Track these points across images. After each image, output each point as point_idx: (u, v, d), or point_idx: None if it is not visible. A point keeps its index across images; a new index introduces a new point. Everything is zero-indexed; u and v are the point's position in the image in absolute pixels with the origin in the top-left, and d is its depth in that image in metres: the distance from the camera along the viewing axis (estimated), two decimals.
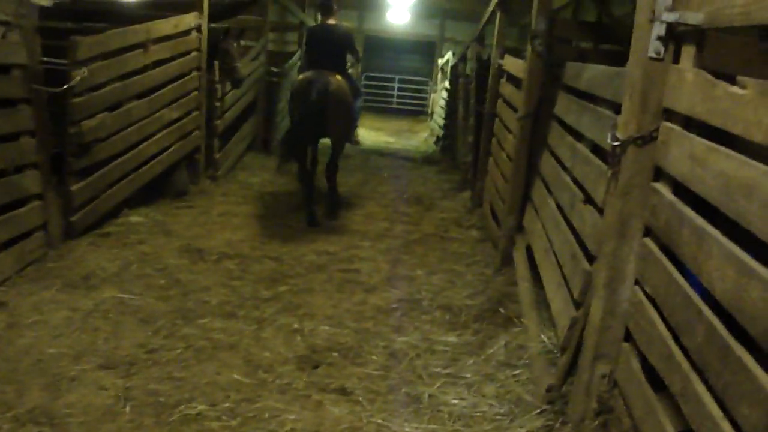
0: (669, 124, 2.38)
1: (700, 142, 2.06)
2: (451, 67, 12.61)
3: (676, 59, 2.40)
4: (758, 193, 1.65)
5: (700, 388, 1.88)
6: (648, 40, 2.44)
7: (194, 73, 7.10)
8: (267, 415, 2.99)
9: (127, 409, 2.95)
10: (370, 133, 15.29)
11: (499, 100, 6.52)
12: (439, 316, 4.34)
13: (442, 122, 13.05)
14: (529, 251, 4.62)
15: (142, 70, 5.93)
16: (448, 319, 4.29)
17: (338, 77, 6.48)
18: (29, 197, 4.56)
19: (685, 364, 2.00)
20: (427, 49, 23.05)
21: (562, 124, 4.25)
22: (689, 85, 2.20)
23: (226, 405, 3.05)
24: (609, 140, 2.64)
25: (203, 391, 3.15)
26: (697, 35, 2.26)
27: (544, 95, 4.90)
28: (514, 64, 5.87)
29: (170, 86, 6.52)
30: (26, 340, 3.49)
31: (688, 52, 2.30)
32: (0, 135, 4.25)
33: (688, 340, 1.99)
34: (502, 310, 4.29)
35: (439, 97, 15.31)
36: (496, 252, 5.48)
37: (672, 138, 2.32)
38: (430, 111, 18.52)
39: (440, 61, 16.88)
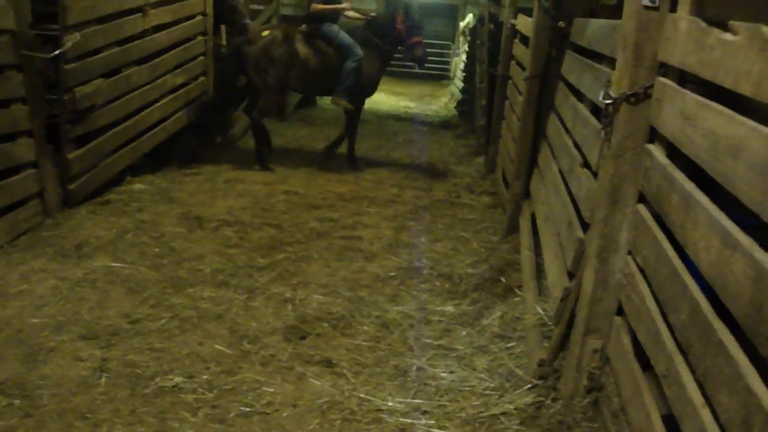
0: (664, 80, 2.17)
1: (692, 98, 1.86)
2: (470, 30, 12.27)
3: (674, 8, 2.18)
4: (745, 153, 1.45)
5: (684, 370, 1.72)
6: None
7: (200, 38, 6.94)
8: (245, 388, 2.89)
9: (102, 380, 2.87)
10: (390, 98, 15.03)
11: (512, 62, 6.27)
12: (438, 285, 4.20)
13: (462, 86, 12.76)
14: (535, 218, 4.43)
15: (142, 35, 5.78)
16: (447, 288, 4.15)
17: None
18: (23, 165, 4.49)
19: (671, 344, 1.83)
20: (449, 12, 22.51)
21: (567, 84, 4.02)
22: (683, 35, 1.99)
23: (205, 377, 2.95)
24: (601, 98, 2.43)
25: (182, 363, 3.05)
26: None
27: (554, 55, 4.66)
28: (525, 24, 5.61)
29: (174, 51, 6.38)
30: (9, 311, 3.42)
31: None
32: None
33: (674, 318, 1.82)
34: (503, 279, 4.12)
35: (460, 61, 14.96)
36: (505, 218, 5.29)
37: (666, 95, 2.12)
38: (452, 75, 18.14)
39: (462, 24, 16.46)
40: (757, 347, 1.30)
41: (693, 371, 1.65)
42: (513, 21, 6.27)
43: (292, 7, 15.32)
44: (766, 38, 1.39)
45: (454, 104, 13.36)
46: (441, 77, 21.14)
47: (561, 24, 4.29)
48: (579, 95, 3.61)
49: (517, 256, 4.48)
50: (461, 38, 16.17)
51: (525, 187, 4.94)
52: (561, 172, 3.68)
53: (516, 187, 5.00)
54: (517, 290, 3.94)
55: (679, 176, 1.90)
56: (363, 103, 7.54)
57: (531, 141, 4.87)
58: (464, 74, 12.30)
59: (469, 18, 14.20)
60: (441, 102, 15.45)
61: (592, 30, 3.46)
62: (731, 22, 1.62)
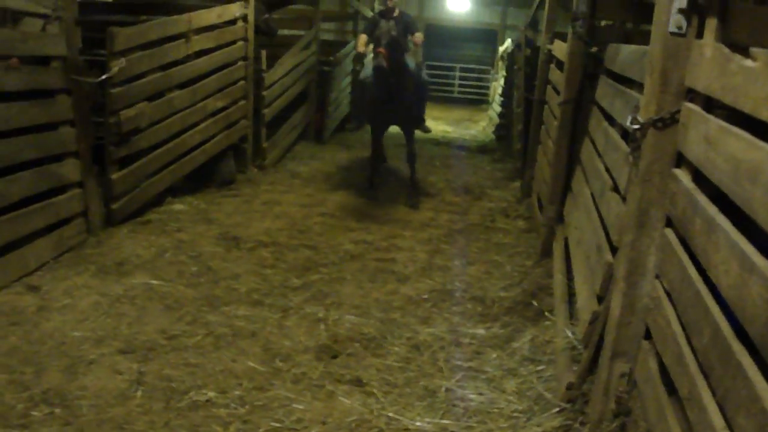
0: (690, 105, 2.19)
1: (715, 123, 1.88)
2: (508, 54, 12.32)
3: (701, 35, 2.20)
4: (763, 177, 1.47)
5: (705, 393, 1.72)
6: (669, 14, 2.25)
7: (240, 63, 7.13)
8: (276, 404, 2.95)
9: (139, 393, 2.96)
10: (429, 123, 15.07)
11: (549, 87, 6.30)
12: (470, 307, 4.22)
13: (500, 110, 12.79)
14: (567, 242, 4.43)
15: (185, 60, 5.97)
16: (479, 311, 4.17)
17: None
18: (69, 185, 4.66)
19: (693, 367, 1.84)
20: (488, 37, 22.64)
21: (600, 108, 4.04)
22: (708, 61, 2.01)
23: (237, 393, 3.02)
24: (629, 123, 2.46)
25: (216, 379, 3.13)
26: (721, 7, 2.06)
27: (588, 81, 4.68)
28: (560, 49, 5.64)
29: (215, 76, 6.57)
30: (53, 324, 3.56)
31: (711, 25, 2.10)
32: (39, 124, 4.35)
33: (697, 341, 1.83)
34: (535, 303, 4.12)
35: (498, 86, 15.00)
36: (538, 243, 5.29)
37: (691, 120, 2.14)
38: (490, 100, 18.20)
39: (500, 49, 16.53)
40: None
41: (714, 394, 1.65)
42: (549, 46, 6.31)
43: (332, 33, 15.61)
44: None
45: (492, 129, 13.39)
46: (479, 102, 21.19)
47: (593, 49, 4.32)
48: (611, 120, 3.63)
49: (550, 280, 4.48)
50: (500, 63, 16.24)
51: (559, 212, 4.94)
52: (593, 196, 3.69)
53: (550, 211, 5.01)
54: (548, 314, 3.94)
55: (703, 200, 1.91)
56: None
57: (565, 165, 4.88)
58: (502, 99, 12.35)
59: (508, 43, 14.26)
60: (479, 126, 15.49)
61: (623, 56, 3.49)
62: (752, 49, 1.65)
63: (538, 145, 6.59)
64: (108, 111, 4.94)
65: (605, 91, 3.92)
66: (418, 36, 6.93)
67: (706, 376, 1.74)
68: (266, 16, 7.54)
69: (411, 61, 6.89)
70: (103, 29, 5.07)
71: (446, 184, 8.19)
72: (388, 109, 6.70)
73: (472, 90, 22.33)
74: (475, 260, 5.21)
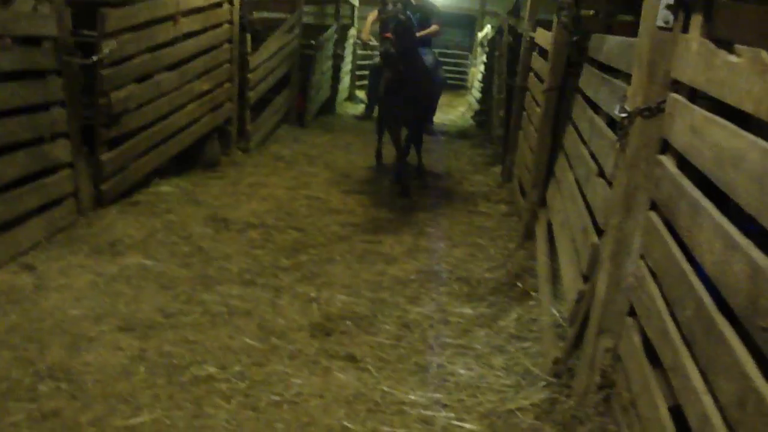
0: (675, 96, 2.33)
1: (700, 113, 2.02)
2: (489, 41, 12.44)
3: (686, 29, 2.34)
4: (746, 164, 1.61)
5: (688, 362, 1.87)
6: (657, 9, 2.39)
7: (226, 45, 7.16)
8: (275, 379, 3.07)
9: (141, 369, 3.05)
10: None
11: (531, 74, 6.44)
12: (456, 288, 4.36)
13: (479, 96, 12.92)
14: (551, 225, 4.58)
15: (173, 42, 6.00)
16: (466, 291, 4.31)
17: None
18: (60, 166, 4.70)
19: (677, 339, 1.99)
20: (467, 23, 22.71)
21: (585, 97, 4.18)
22: (693, 55, 2.15)
23: (237, 368, 3.13)
24: (617, 112, 2.60)
25: (215, 355, 3.24)
26: (706, 3, 2.20)
27: (571, 69, 4.82)
28: (544, 37, 5.77)
29: (201, 58, 6.60)
30: (51, 302, 3.62)
31: (697, 21, 2.24)
32: (31, 105, 4.37)
33: (681, 315, 1.98)
34: (519, 284, 4.27)
35: (477, 72, 15.12)
36: (521, 226, 5.45)
37: (677, 110, 2.28)
38: (469, 85, 18.31)
39: (480, 35, 16.65)
40: (753, 336, 1.45)
41: (696, 362, 1.80)
42: (532, 34, 6.43)
43: (313, 16, 15.57)
44: (765, 62, 1.55)
45: (471, 114, 13.53)
46: (458, 87, 21.29)
47: (575, 38, 4.47)
48: (596, 108, 3.77)
49: (533, 262, 4.63)
50: (479, 49, 16.36)
51: (541, 196, 5.10)
52: (577, 181, 3.84)
53: (533, 195, 5.16)
54: (533, 294, 4.09)
55: (688, 185, 2.06)
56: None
57: (548, 151, 5.02)
58: (482, 85, 12.47)
59: (487, 29, 14.38)
60: (458, 112, 15.61)
61: (609, 46, 3.63)
62: (736, 46, 1.78)
63: (519, 131, 6.74)
64: (98, 92, 4.96)
65: (590, 80, 4.06)
66: (433, 27, 6.81)
67: (689, 347, 1.89)
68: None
69: (429, 55, 6.64)
70: (87, 10, 5.09)
71: (428, 169, 8.28)
72: (397, 103, 6.32)
73: (450, 75, 22.26)
74: (459, 243, 5.34)
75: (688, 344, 1.89)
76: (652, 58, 2.42)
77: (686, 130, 2.12)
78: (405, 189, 6.70)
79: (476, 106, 13.10)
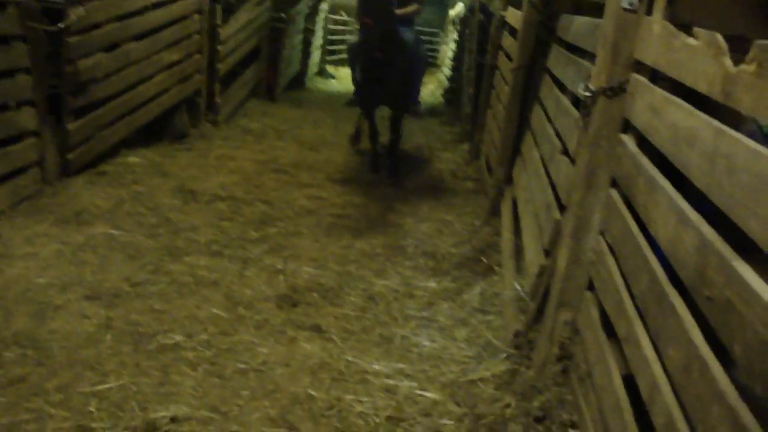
0: (637, 76, 2.40)
1: (659, 93, 2.08)
2: (461, 19, 12.45)
3: (650, 12, 2.40)
4: (699, 143, 1.68)
5: (641, 332, 1.95)
6: None
7: (196, 16, 7.07)
8: (241, 348, 3.11)
9: (108, 337, 3.07)
10: None
11: (500, 53, 6.49)
12: (422, 262, 4.43)
13: (449, 74, 12.96)
14: (516, 202, 4.67)
15: (142, 11, 5.91)
16: (431, 265, 4.38)
17: None
18: (25, 134, 4.63)
19: (632, 311, 2.07)
20: (439, 1, 22.64)
21: (552, 76, 4.25)
22: (655, 37, 2.21)
23: (203, 337, 3.16)
24: (581, 90, 2.66)
25: (182, 324, 3.26)
26: None
27: (540, 48, 4.88)
28: (514, 16, 5.82)
29: (170, 28, 6.51)
30: (16, 270, 3.60)
31: (660, 4, 2.30)
32: None
33: (636, 287, 2.06)
34: (483, 259, 4.36)
35: (448, 49, 15.14)
36: (487, 203, 5.53)
37: (638, 90, 2.34)
38: (440, 63, 18.33)
39: (451, 13, 16.64)
40: (699, 306, 1.53)
41: (648, 333, 1.89)
42: (503, 13, 6.47)
43: None
44: (720, 45, 1.62)
45: (441, 92, 13.56)
46: (429, 65, 21.26)
47: (543, 17, 4.53)
48: (562, 87, 3.84)
49: (498, 238, 4.72)
50: (450, 27, 16.36)
51: (508, 174, 5.18)
52: (542, 159, 3.92)
53: (499, 173, 5.24)
54: (496, 269, 4.18)
55: (646, 162, 2.13)
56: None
57: (515, 129, 5.10)
58: (452, 63, 12.50)
59: (460, 7, 14.38)
60: (428, 89, 15.62)
61: (576, 27, 3.69)
62: (695, 29, 1.85)
63: (488, 109, 6.80)
64: (65, 60, 4.89)
65: (557, 60, 4.12)
66: (414, 6, 6.56)
67: (642, 319, 1.98)
68: None
69: (410, 33, 6.46)
70: None
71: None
72: (375, 89, 6.16)
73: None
74: (426, 218, 5.41)
75: (642, 316, 1.97)
76: (616, 39, 2.48)
77: (646, 110, 2.19)
78: (375, 165, 6.78)
79: (446, 84, 13.13)
